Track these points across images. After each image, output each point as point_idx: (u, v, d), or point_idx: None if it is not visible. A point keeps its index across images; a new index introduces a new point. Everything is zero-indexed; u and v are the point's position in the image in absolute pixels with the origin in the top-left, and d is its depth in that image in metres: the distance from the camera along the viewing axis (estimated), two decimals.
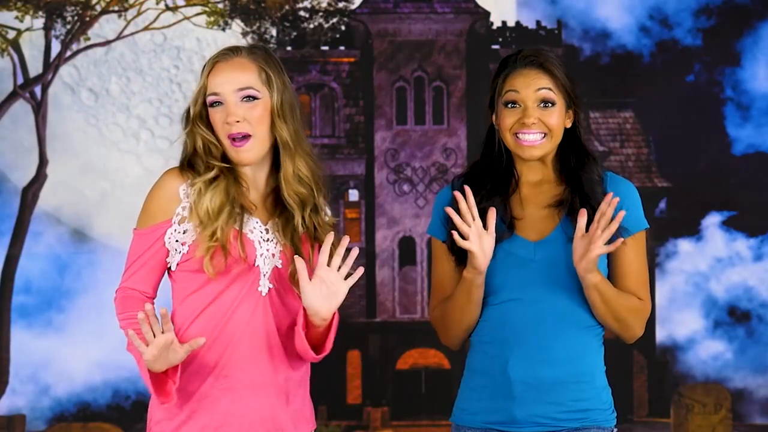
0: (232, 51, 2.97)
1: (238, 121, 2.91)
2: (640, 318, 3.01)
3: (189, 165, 2.96)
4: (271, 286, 2.93)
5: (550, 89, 3.01)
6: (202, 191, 2.90)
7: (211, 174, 2.92)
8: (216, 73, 2.92)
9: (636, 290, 3.01)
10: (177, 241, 2.91)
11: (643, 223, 3.02)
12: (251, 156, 2.93)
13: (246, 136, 2.92)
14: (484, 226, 2.96)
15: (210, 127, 2.96)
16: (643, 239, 3.03)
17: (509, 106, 3.01)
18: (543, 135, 3.01)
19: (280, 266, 2.93)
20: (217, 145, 2.93)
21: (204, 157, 2.94)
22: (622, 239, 2.95)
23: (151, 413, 2.98)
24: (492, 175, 3.07)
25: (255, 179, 2.99)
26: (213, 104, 2.92)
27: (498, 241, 2.99)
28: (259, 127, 2.93)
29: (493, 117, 3.10)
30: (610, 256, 3.04)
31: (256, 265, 2.92)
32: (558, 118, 3.02)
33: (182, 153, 2.98)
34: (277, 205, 2.98)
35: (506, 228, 3.01)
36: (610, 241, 2.95)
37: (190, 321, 2.94)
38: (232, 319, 2.92)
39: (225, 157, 2.95)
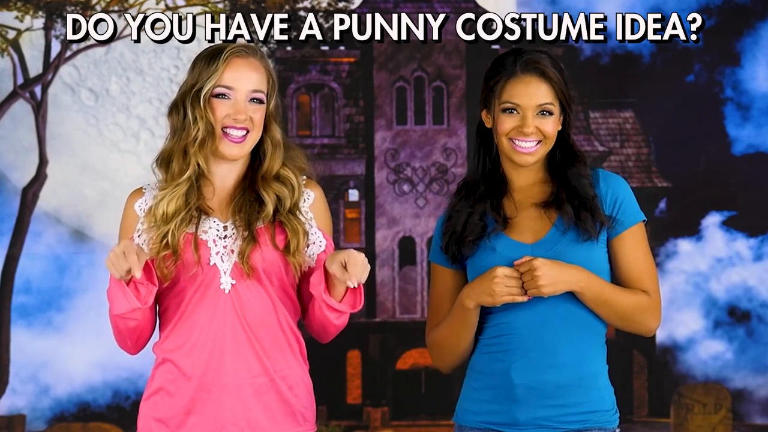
0: (247, 49, 3.02)
1: (244, 119, 2.96)
2: (647, 312, 3.00)
3: (165, 162, 3.00)
4: (234, 282, 2.94)
5: (550, 103, 3.03)
6: (165, 196, 2.94)
7: (188, 173, 2.95)
8: (233, 68, 2.97)
9: (639, 283, 3.00)
10: None
11: (639, 216, 3.03)
12: (241, 153, 2.99)
13: (246, 133, 2.97)
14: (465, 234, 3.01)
15: None
16: (641, 231, 3.03)
17: (507, 111, 3.03)
18: (538, 142, 3.03)
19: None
20: (213, 136, 2.96)
21: (192, 148, 2.96)
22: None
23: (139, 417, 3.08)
24: (484, 179, 3.10)
25: (224, 179, 3.02)
26: (219, 95, 2.96)
27: (489, 235, 3.02)
28: (258, 129, 3.00)
29: (484, 113, 3.12)
30: (610, 254, 3.05)
31: (212, 264, 2.94)
32: (554, 126, 3.04)
33: (176, 139, 2.98)
34: (239, 202, 3.00)
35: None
36: (608, 236, 2.98)
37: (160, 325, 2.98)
38: (197, 320, 2.94)
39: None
